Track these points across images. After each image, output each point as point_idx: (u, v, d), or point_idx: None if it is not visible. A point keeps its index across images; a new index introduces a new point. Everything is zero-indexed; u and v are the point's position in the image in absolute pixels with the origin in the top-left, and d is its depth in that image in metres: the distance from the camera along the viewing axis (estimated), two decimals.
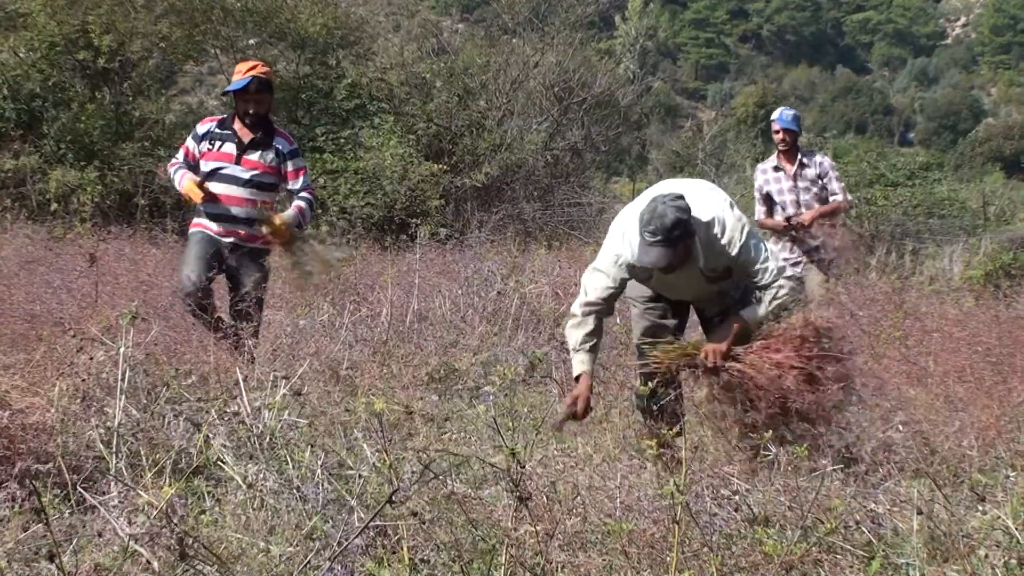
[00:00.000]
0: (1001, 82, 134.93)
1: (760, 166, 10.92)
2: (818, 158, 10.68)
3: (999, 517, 4.46)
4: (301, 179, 8.38)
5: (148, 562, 4.07)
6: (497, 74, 26.06)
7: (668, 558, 4.25)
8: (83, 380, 6.10)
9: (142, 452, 5.44)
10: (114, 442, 5.40)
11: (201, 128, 8.33)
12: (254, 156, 8.27)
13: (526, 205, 23.67)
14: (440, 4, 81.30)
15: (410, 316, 9.99)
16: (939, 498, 4.92)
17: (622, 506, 4.77)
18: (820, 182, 10.50)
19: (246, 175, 8.25)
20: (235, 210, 8.24)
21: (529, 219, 23.27)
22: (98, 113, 21.61)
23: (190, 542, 4.07)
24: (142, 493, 4.25)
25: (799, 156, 10.57)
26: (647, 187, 6.97)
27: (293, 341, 8.66)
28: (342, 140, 22.47)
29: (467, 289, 11.26)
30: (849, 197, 10.50)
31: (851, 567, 4.45)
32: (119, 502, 4.45)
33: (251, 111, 8.21)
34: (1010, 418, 6.55)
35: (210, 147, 8.29)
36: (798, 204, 10.47)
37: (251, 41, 24.55)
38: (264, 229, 8.13)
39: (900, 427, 6.24)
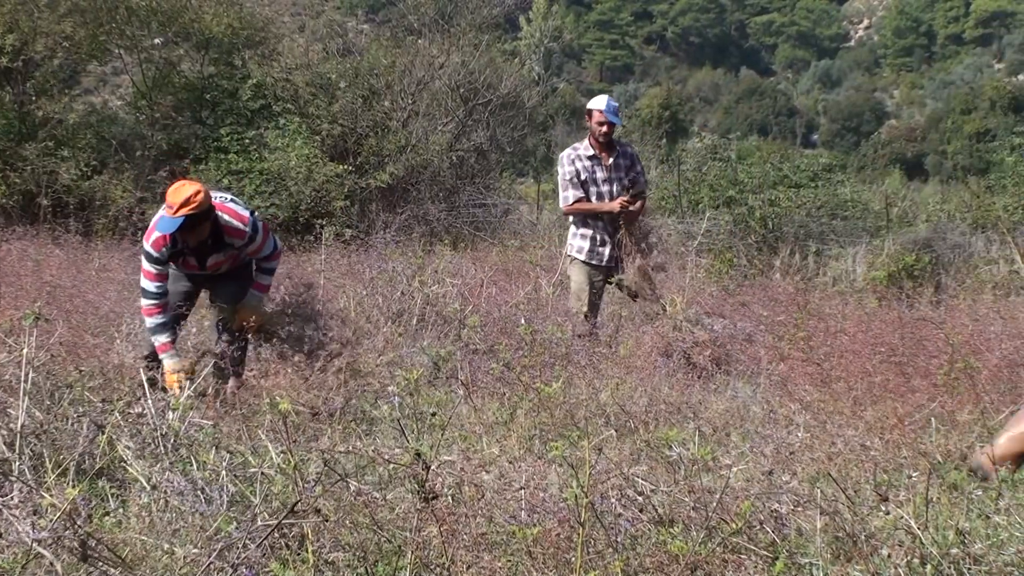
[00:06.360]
0: (903, 84, 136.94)
1: (571, 153, 10.87)
2: (629, 149, 11.10)
3: (902, 517, 4.53)
4: (263, 250, 8.10)
5: (51, 564, 4.06)
6: (402, 75, 25.98)
7: (573, 558, 4.29)
8: None
9: (45, 454, 5.41)
10: (17, 444, 5.36)
11: (155, 252, 7.62)
12: (216, 257, 7.95)
13: (431, 206, 23.62)
14: (345, 5, 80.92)
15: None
16: (842, 498, 4.98)
17: (527, 507, 4.80)
18: (631, 173, 10.85)
19: (216, 270, 8.15)
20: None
21: (434, 220, 23.22)
22: (0, 113, 21.41)
23: (93, 544, 4.06)
24: (45, 495, 4.23)
25: (616, 147, 10.87)
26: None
27: (198, 342, 8.63)
28: (247, 141, 22.36)
29: (372, 290, 11.25)
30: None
31: (755, 567, 4.50)
32: (22, 504, 4.42)
33: (191, 244, 7.71)
34: (913, 418, 6.66)
35: (175, 268, 8.00)
36: (612, 194, 10.72)
37: (156, 40, 24.37)
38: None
39: (804, 428, 6.32)
